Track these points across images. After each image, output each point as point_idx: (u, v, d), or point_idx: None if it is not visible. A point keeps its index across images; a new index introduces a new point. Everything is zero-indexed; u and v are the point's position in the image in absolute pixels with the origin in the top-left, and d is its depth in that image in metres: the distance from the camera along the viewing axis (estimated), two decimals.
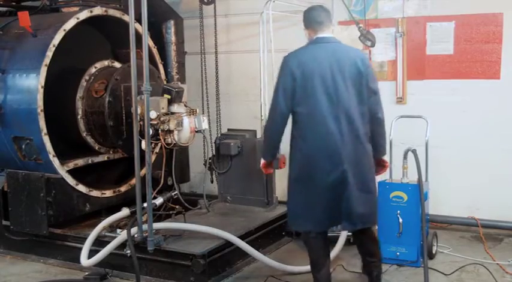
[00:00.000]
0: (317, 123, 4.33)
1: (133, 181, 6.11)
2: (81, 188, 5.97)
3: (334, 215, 4.40)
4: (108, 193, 6.29)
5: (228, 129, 6.85)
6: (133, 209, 5.43)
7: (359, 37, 6.55)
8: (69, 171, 5.90)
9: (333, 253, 5.49)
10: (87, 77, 6.32)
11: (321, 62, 4.38)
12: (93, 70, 6.39)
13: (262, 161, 4.76)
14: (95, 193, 6.12)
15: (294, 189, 4.49)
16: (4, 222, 6.09)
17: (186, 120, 5.72)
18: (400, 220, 5.39)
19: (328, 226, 4.57)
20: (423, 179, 5.38)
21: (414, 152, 5.39)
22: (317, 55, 4.44)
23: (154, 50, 6.88)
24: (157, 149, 6.38)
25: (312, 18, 4.61)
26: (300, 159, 4.42)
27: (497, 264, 5.48)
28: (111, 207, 6.14)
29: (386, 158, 4.68)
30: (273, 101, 4.46)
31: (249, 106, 7.42)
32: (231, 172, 6.47)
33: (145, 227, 5.13)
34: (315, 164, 4.35)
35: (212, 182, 7.37)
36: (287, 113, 4.40)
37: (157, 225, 5.34)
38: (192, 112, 5.84)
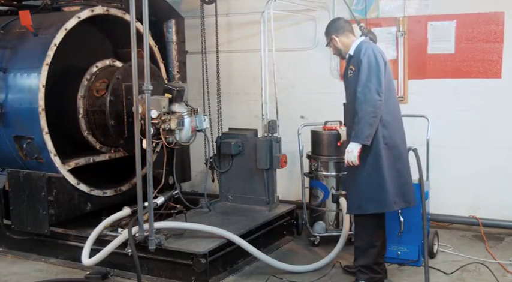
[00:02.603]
0: (396, 115, 4.90)
1: (134, 180, 6.11)
2: (82, 187, 5.97)
3: None
4: (109, 192, 6.30)
5: (229, 129, 6.85)
6: (135, 208, 5.43)
7: (360, 36, 6.53)
8: (71, 171, 5.91)
9: (333, 252, 5.49)
10: (88, 76, 6.32)
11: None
12: (94, 69, 6.40)
13: (359, 147, 4.67)
14: (96, 192, 6.13)
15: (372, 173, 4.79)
16: (5, 222, 6.10)
17: (187, 120, 5.72)
18: (401, 219, 5.39)
19: None
20: (424, 178, 5.36)
21: (415, 151, 5.37)
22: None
23: (156, 49, 6.88)
24: (158, 148, 6.39)
25: (340, 25, 5.03)
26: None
27: (498, 263, 5.48)
28: (112, 206, 6.14)
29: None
30: (370, 84, 4.61)
31: (250, 105, 7.43)
32: (232, 171, 6.47)
33: (146, 226, 5.13)
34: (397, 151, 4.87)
35: (213, 181, 7.38)
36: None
37: (158, 225, 5.34)
38: (193, 111, 5.85)
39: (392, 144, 4.76)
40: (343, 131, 5.69)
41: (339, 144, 5.85)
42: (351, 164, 4.70)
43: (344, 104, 5.32)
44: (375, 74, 4.64)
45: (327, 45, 5.13)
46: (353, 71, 4.81)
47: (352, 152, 4.66)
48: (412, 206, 4.95)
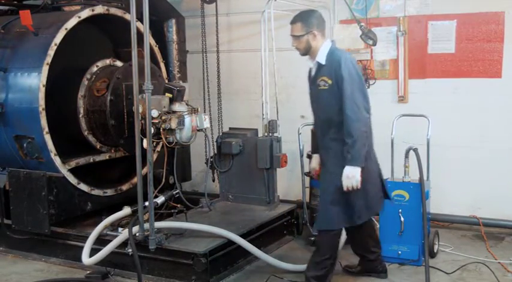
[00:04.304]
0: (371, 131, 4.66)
1: (134, 180, 6.11)
2: (83, 186, 5.97)
3: None
4: (110, 192, 6.30)
5: (230, 128, 6.85)
6: (135, 208, 5.43)
7: (360, 36, 6.54)
8: (71, 170, 5.91)
9: None
10: (88, 76, 6.32)
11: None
12: (94, 69, 6.39)
13: (359, 170, 4.43)
14: (97, 192, 6.13)
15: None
16: (6, 221, 6.10)
17: (187, 119, 5.71)
18: (402, 219, 5.40)
19: None
20: (425, 177, 5.37)
21: (416, 150, 5.38)
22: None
23: (156, 49, 6.88)
24: (158, 148, 6.40)
25: (322, 20, 4.66)
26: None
27: (499, 263, 5.48)
28: (113, 206, 6.14)
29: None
30: (358, 101, 4.39)
31: (250, 105, 7.43)
32: (232, 171, 6.47)
33: (146, 225, 5.13)
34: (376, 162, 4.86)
35: (214, 180, 7.38)
36: None
37: (158, 224, 5.34)
38: (193, 111, 5.84)
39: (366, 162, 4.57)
40: (315, 158, 5.09)
41: (315, 176, 5.21)
42: (351, 189, 4.46)
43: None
44: (359, 90, 4.41)
45: (297, 36, 4.57)
46: (328, 84, 4.48)
47: (354, 177, 4.41)
48: (378, 211, 5.03)
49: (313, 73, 4.67)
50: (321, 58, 4.53)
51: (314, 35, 4.53)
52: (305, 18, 4.57)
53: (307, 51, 4.61)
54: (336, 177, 4.49)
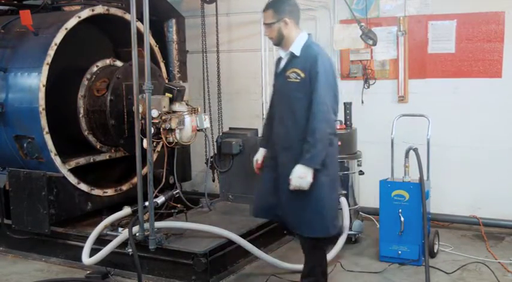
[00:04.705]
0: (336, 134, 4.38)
1: (134, 180, 6.11)
2: (83, 186, 5.97)
3: None
4: (110, 192, 6.30)
5: (230, 128, 6.85)
6: (135, 208, 5.43)
7: (360, 36, 6.55)
8: (71, 170, 5.91)
9: (333, 252, 5.49)
10: (88, 76, 6.32)
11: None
12: (94, 69, 6.39)
13: (312, 172, 4.14)
14: (97, 192, 6.13)
15: (331, 193, 4.35)
16: (6, 221, 6.10)
17: (187, 119, 5.71)
18: (402, 219, 5.39)
19: None
20: (425, 177, 5.38)
21: (416, 150, 5.39)
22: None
23: (156, 49, 6.88)
24: (158, 148, 6.39)
25: (296, 8, 4.33)
26: (334, 163, 4.40)
27: (499, 262, 5.48)
28: (113, 206, 6.15)
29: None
30: (328, 101, 4.13)
31: (250, 105, 7.42)
32: (232, 171, 6.47)
33: (146, 225, 5.13)
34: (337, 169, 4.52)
35: (214, 180, 7.38)
36: None
37: (158, 224, 5.34)
38: (193, 111, 5.84)
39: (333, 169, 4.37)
40: (261, 151, 4.77)
41: (256, 170, 4.82)
42: (297, 189, 4.14)
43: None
44: (331, 90, 4.16)
45: (268, 24, 4.28)
46: (300, 77, 4.17)
47: (305, 178, 4.10)
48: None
49: (282, 64, 4.33)
50: (296, 49, 4.22)
51: (286, 23, 4.22)
52: (276, 6, 4.27)
53: (280, 40, 4.29)
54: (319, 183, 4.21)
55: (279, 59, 4.41)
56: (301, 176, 4.11)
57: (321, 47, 4.32)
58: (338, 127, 4.42)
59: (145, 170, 5.25)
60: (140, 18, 5.05)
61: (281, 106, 4.36)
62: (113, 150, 6.50)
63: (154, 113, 5.50)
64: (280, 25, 4.23)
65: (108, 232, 5.56)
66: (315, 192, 4.18)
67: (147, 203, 5.14)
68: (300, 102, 4.18)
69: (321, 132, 4.10)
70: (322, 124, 4.10)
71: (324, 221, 4.27)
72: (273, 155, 4.49)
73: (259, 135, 6.42)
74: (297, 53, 4.22)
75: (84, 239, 5.54)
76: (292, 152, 4.24)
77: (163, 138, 5.61)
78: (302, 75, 4.16)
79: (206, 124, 5.96)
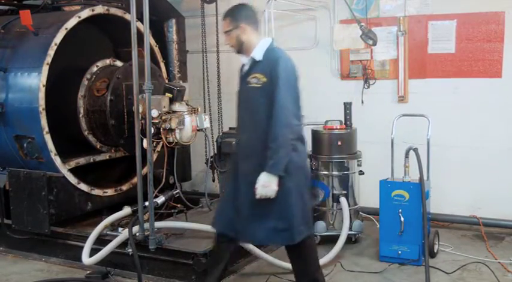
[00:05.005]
0: (301, 134, 4.25)
1: (134, 180, 6.11)
2: (83, 186, 5.97)
3: None
4: (110, 192, 6.30)
5: (230, 128, 6.84)
6: (135, 208, 5.43)
7: (360, 36, 6.55)
8: (71, 170, 5.91)
9: (333, 252, 5.49)
10: (88, 76, 6.32)
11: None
12: (94, 69, 6.40)
13: (276, 180, 4.00)
14: (97, 192, 6.13)
15: (298, 200, 4.16)
16: (6, 221, 6.10)
17: (187, 119, 5.72)
18: (402, 219, 5.39)
19: None
20: (425, 177, 5.38)
21: (416, 150, 5.39)
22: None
23: (156, 49, 6.88)
24: (158, 148, 6.39)
25: (252, 14, 4.28)
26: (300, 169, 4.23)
27: (499, 262, 5.48)
28: (113, 206, 6.15)
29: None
30: (289, 105, 4.04)
31: None
32: None
33: (146, 225, 5.13)
34: (306, 174, 4.35)
35: (214, 180, 7.37)
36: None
37: (158, 224, 5.35)
38: (193, 111, 5.84)
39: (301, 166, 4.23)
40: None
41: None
42: (263, 197, 4.00)
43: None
44: (292, 95, 4.05)
45: (226, 32, 4.23)
46: (262, 82, 4.05)
47: (270, 187, 3.96)
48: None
49: (245, 70, 4.24)
50: (257, 54, 4.12)
51: (243, 29, 4.15)
52: (232, 13, 4.22)
53: (240, 47, 4.20)
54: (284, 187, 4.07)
55: (243, 66, 4.30)
56: (265, 185, 3.98)
57: (284, 52, 4.19)
58: (302, 132, 4.28)
59: (145, 170, 5.25)
60: (140, 18, 5.05)
61: (243, 113, 4.30)
62: (113, 150, 6.50)
63: (154, 113, 5.50)
64: (238, 32, 4.17)
65: (108, 232, 5.56)
66: (281, 199, 4.03)
67: (147, 203, 5.14)
68: (262, 107, 4.06)
69: (282, 138, 3.97)
70: (284, 129, 3.98)
71: (291, 228, 4.08)
72: (235, 164, 4.36)
73: None
74: (259, 57, 4.12)
75: (84, 239, 5.54)
76: (253, 161, 4.11)
77: (163, 138, 5.61)
78: (263, 79, 4.05)
79: (206, 124, 5.96)
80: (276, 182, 3.97)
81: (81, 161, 6.13)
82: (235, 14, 4.20)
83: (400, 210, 5.40)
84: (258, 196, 4.01)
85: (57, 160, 5.75)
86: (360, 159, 6.12)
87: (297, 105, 4.13)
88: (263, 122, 4.04)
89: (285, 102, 3.99)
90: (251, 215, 4.15)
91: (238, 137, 4.53)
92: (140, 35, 5.04)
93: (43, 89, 5.61)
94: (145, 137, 5.18)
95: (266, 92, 4.03)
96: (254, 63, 4.15)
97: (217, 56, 7.46)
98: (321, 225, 6.04)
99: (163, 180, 5.96)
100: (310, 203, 4.35)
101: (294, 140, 4.09)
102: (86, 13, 6.00)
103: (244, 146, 4.27)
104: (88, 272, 5.42)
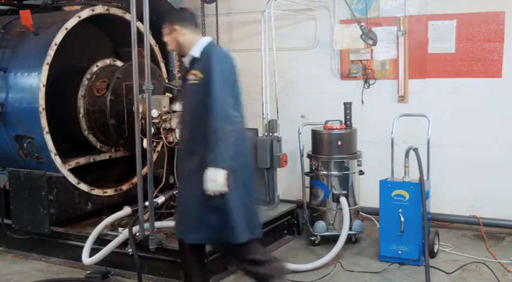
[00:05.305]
0: (242, 126, 4.18)
1: (135, 180, 6.11)
2: (83, 186, 5.97)
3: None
4: (110, 192, 6.29)
5: None
6: (135, 208, 5.43)
7: (360, 36, 6.55)
8: (71, 170, 5.90)
9: (333, 252, 5.49)
10: (88, 76, 6.32)
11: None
12: (94, 69, 6.39)
13: (223, 172, 3.93)
14: (97, 192, 6.12)
15: (239, 196, 4.10)
16: (6, 221, 6.10)
17: None
18: (402, 219, 5.39)
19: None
20: (425, 177, 5.38)
21: (416, 150, 5.39)
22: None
23: (156, 49, 6.87)
24: (159, 148, 6.38)
25: (188, 16, 4.38)
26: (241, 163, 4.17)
27: (499, 262, 5.48)
28: (113, 205, 6.14)
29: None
30: (225, 98, 4.01)
31: (250, 104, 7.36)
32: None
33: (146, 225, 5.12)
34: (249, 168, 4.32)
35: None
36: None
37: (159, 224, 5.34)
38: None
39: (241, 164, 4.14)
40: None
41: None
42: (217, 193, 3.94)
43: None
44: (228, 87, 4.04)
45: (165, 37, 4.34)
46: (198, 78, 4.08)
47: (218, 181, 3.90)
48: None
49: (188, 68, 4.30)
50: (195, 51, 4.19)
51: (179, 31, 4.23)
52: (169, 18, 4.34)
53: (180, 49, 4.28)
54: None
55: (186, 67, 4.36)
56: (212, 179, 3.91)
57: (222, 48, 4.32)
58: (245, 125, 4.23)
59: (145, 170, 5.24)
60: (140, 18, 5.04)
61: (185, 110, 4.35)
62: (113, 150, 6.49)
63: (155, 112, 5.50)
64: (175, 35, 4.25)
65: (108, 232, 5.56)
66: (220, 196, 3.97)
67: (147, 203, 5.13)
68: (200, 103, 4.06)
69: (221, 131, 3.95)
70: (222, 122, 3.96)
71: (233, 226, 4.03)
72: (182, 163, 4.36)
73: (259, 135, 6.44)
74: (196, 55, 4.18)
75: (84, 239, 5.54)
76: (196, 157, 4.10)
77: (164, 138, 5.61)
78: (200, 75, 4.09)
79: None
80: (223, 175, 3.91)
81: (81, 161, 6.13)
82: (171, 19, 4.31)
83: (400, 210, 5.40)
84: (209, 193, 3.95)
85: (57, 160, 5.75)
86: (360, 159, 6.13)
87: (235, 98, 4.09)
88: (203, 118, 4.03)
89: (221, 93, 3.99)
90: (190, 213, 4.15)
91: (181, 135, 4.51)
92: (140, 35, 5.04)
93: (43, 89, 5.60)
94: (145, 136, 5.17)
95: (203, 88, 4.03)
96: (193, 61, 4.21)
97: None
98: (321, 225, 6.04)
99: (164, 180, 5.95)
100: (254, 199, 4.28)
101: (235, 132, 4.01)
102: (86, 13, 6.00)
103: (187, 143, 4.25)
104: (88, 272, 5.42)
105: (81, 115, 6.23)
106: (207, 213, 4.08)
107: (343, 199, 5.89)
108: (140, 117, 5.18)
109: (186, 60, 4.27)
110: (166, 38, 4.34)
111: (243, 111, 4.20)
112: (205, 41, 4.24)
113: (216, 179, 3.91)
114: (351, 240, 6.02)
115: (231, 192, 4.01)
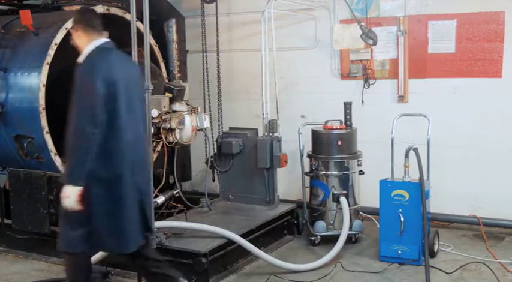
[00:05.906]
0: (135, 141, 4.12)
1: None
2: None
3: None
4: None
5: (230, 128, 6.85)
6: None
7: (361, 36, 6.55)
8: None
9: (333, 252, 5.49)
10: None
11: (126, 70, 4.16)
12: None
13: (76, 190, 3.82)
14: None
15: (108, 206, 4.00)
16: (6, 221, 6.10)
17: (187, 119, 5.72)
18: (402, 219, 5.39)
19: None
20: (425, 177, 5.38)
21: (416, 150, 5.39)
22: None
23: (156, 49, 6.87)
24: (159, 148, 6.39)
25: (88, 17, 4.31)
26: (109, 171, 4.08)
27: (499, 262, 5.48)
28: None
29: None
30: (81, 111, 3.92)
31: (250, 104, 7.42)
32: (232, 170, 6.47)
33: None
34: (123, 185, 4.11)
35: (214, 180, 7.38)
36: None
37: (159, 224, 5.34)
38: (193, 110, 5.85)
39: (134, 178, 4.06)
40: None
41: None
42: (70, 209, 3.86)
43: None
44: (87, 100, 3.87)
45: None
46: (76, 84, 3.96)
47: (70, 198, 3.81)
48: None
49: None
50: (81, 57, 4.07)
51: (75, 32, 4.17)
52: (73, 18, 4.32)
53: (79, 50, 4.18)
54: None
55: None
56: (64, 196, 3.85)
57: (107, 55, 4.13)
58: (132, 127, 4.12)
59: None
60: (140, 18, 5.04)
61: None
62: None
63: (155, 112, 5.50)
64: (73, 35, 4.20)
65: None
66: (87, 207, 3.90)
67: None
68: (74, 112, 3.98)
69: (72, 146, 3.88)
70: (73, 137, 3.88)
71: (95, 236, 3.99)
72: None
73: (259, 135, 6.45)
74: (81, 60, 4.07)
75: None
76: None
77: (164, 138, 5.62)
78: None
79: (206, 124, 5.96)
80: (75, 192, 3.81)
81: None
82: (73, 19, 4.30)
83: (400, 210, 5.40)
84: (65, 208, 3.89)
85: (57, 160, 5.74)
86: (360, 159, 6.13)
87: (93, 111, 3.86)
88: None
89: (77, 107, 3.88)
90: (63, 223, 4.10)
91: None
92: (140, 35, 5.04)
93: (43, 89, 5.61)
94: None
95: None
96: (79, 66, 4.04)
97: (217, 56, 7.46)
98: (321, 225, 6.04)
99: (163, 180, 5.96)
100: (130, 217, 4.06)
101: (94, 148, 3.85)
102: None
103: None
104: None
105: None
106: (69, 223, 4.02)
107: (343, 199, 5.89)
108: None
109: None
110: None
111: (129, 122, 4.02)
112: (93, 44, 4.09)
113: (68, 195, 3.84)
114: (351, 240, 6.02)
115: (99, 201, 3.93)
